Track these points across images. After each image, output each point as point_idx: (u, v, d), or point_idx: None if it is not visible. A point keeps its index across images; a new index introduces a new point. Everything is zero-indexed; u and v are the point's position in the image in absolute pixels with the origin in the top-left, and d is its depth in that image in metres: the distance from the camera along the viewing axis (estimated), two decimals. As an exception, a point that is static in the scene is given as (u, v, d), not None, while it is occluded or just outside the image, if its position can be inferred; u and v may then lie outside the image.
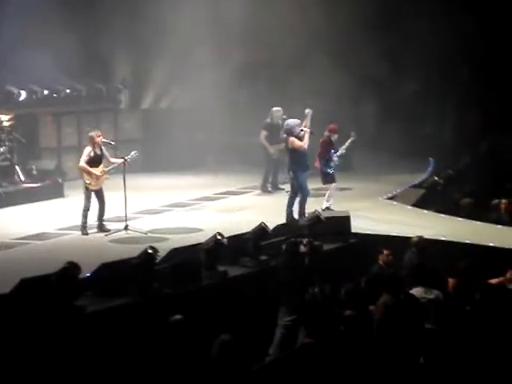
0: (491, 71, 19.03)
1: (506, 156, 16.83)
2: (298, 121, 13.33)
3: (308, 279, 10.05)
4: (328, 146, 13.96)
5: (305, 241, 10.71)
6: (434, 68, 19.34)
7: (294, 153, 13.12)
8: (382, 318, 8.81)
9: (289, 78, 18.61)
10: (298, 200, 13.13)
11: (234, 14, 18.03)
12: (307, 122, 13.43)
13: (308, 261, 10.32)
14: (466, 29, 18.46)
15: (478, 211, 13.92)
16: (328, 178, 13.88)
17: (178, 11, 18.14)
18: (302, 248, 10.46)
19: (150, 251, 9.73)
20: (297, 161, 13.13)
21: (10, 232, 12.61)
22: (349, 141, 14.16)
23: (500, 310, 8.78)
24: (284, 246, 10.24)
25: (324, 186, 14.08)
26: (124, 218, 12.46)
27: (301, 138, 13.10)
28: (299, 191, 13.15)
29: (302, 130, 13.13)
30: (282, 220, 12.32)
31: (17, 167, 15.60)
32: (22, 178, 15.56)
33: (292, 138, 13.14)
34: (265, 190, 15.91)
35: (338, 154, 13.93)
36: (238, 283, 10.58)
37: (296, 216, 12.95)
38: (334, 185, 13.91)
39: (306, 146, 13.14)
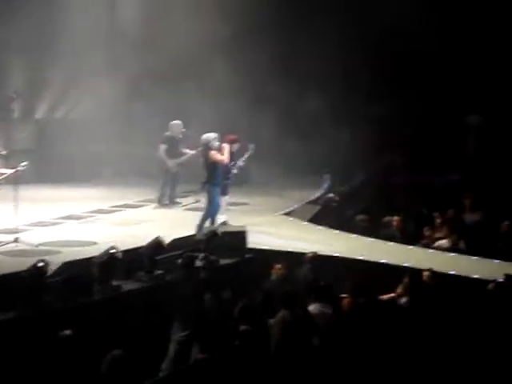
0: (386, 92, 19.55)
1: (396, 175, 17.32)
2: (215, 134, 13.30)
3: (203, 294, 10.01)
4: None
5: (201, 255, 10.68)
6: (333, 86, 19.70)
7: (212, 166, 13.11)
8: (281, 333, 8.87)
9: (185, 87, 18.55)
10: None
11: (129, 22, 17.85)
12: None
13: (203, 275, 10.28)
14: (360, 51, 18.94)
15: (372, 228, 14.22)
16: (224, 190, 13.86)
17: (75, 18, 17.82)
18: (198, 262, 10.42)
19: (40, 264, 9.48)
20: (213, 175, 13.11)
21: None
22: (247, 153, 14.19)
23: (388, 325, 9.01)
24: (180, 261, 10.17)
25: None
26: (14, 230, 12.08)
27: (220, 152, 13.12)
28: (209, 205, 13.11)
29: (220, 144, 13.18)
30: (179, 234, 12.21)
31: None
32: None
33: (212, 152, 13.11)
34: (162, 203, 15.77)
35: (237, 166, 13.93)
36: (132, 298, 10.42)
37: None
38: (227, 197, 13.90)
39: (226, 161, 13.15)
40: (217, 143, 13.18)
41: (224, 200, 13.72)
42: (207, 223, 12.92)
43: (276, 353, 8.68)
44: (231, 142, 13.88)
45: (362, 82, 19.51)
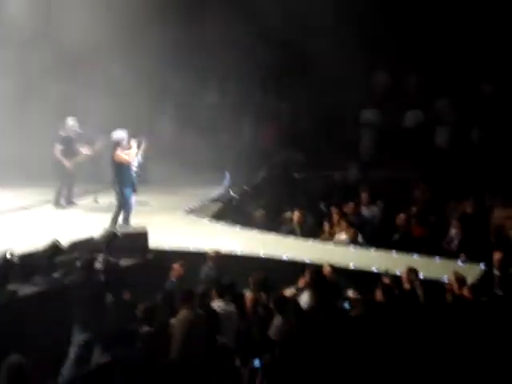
0: (283, 88, 19.72)
1: (296, 172, 17.47)
2: (124, 133, 13.08)
3: (103, 296, 9.85)
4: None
5: (100, 257, 10.49)
6: (233, 80, 19.72)
7: (120, 166, 12.87)
8: (182, 332, 8.84)
9: (79, 83, 18.17)
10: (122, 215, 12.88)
11: (17, 18, 17.33)
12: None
13: (103, 278, 10.11)
14: (262, 43, 19.00)
15: (271, 224, 14.31)
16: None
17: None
18: (98, 265, 10.24)
19: None
20: (122, 174, 12.88)
21: None
22: (141, 148, 13.89)
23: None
24: (78, 263, 9.96)
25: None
26: None
27: (126, 152, 12.91)
28: (123, 206, 12.89)
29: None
30: (77, 236, 11.95)
31: None
32: None
33: (118, 152, 12.88)
34: (58, 204, 15.41)
35: (135, 163, 13.70)
36: (29, 302, 10.13)
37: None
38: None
39: (131, 160, 12.94)
40: (125, 142, 13.01)
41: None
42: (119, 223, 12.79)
43: (178, 352, 8.64)
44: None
45: (261, 75, 19.61)
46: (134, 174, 13.45)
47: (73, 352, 9.74)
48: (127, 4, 17.49)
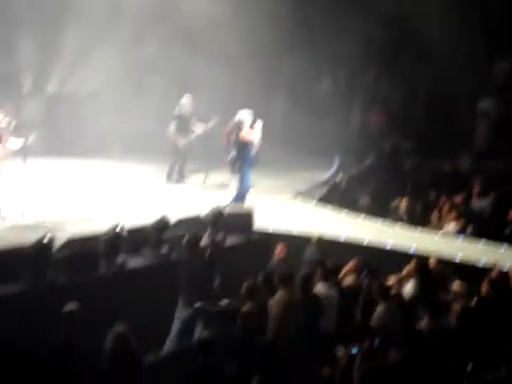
0: (396, 74, 19.46)
1: (404, 159, 17.24)
2: (249, 113, 13.24)
3: (208, 273, 10.03)
4: (229, 138, 13.89)
5: (206, 235, 10.68)
6: (344, 66, 19.62)
7: (244, 146, 13.07)
8: (279, 313, 8.93)
9: (198, 61, 18.47)
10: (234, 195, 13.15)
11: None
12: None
13: (208, 255, 10.30)
14: (376, 32, 18.81)
15: (378, 211, 14.20)
16: (232, 167, 13.83)
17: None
18: (203, 242, 10.44)
19: (46, 239, 9.53)
20: (244, 154, 13.09)
21: None
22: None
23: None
24: (185, 239, 10.18)
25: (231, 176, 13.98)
26: (21, 205, 12.11)
27: (251, 132, 13.08)
28: (240, 185, 13.10)
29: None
30: (185, 212, 12.21)
31: None
32: None
33: (243, 131, 13.09)
34: (170, 180, 15.78)
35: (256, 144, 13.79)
36: (137, 275, 10.45)
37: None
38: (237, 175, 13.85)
39: (255, 141, 13.08)
40: (249, 123, 13.15)
41: (235, 178, 13.74)
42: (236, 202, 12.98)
43: (274, 333, 8.72)
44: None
45: (373, 62, 19.42)
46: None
47: (176, 326, 9.98)
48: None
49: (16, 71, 18.53)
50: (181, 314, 10.02)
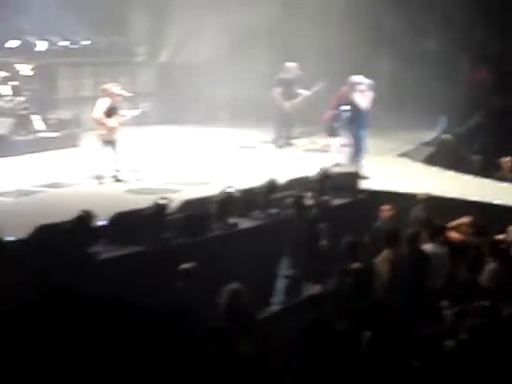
0: (506, 32, 18.99)
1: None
2: (364, 79, 13.36)
3: (312, 233, 10.29)
4: (340, 101, 14.08)
5: (311, 195, 10.92)
6: (450, 26, 19.28)
7: (357, 109, 13.26)
8: (386, 271, 9.08)
9: (303, 32, 18.64)
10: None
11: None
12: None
13: (313, 215, 10.55)
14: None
15: (487, 169, 14.08)
16: (334, 132, 14.02)
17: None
18: (308, 202, 10.68)
19: (162, 202, 10.02)
20: (358, 117, 13.27)
21: (28, 180, 12.88)
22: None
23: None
24: (290, 200, 10.46)
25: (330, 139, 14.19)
26: (137, 170, 12.71)
27: (362, 96, 13.23)
28: (356, 147, 13.29)
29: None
30: (293, 175, 12.52)
31: (35, 116, 15.87)
32: (40, 128, 15.84)
33: (355, 94, 13.27)
34: (277, 145, 16.10)
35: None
36: (248, 235, 10.85)
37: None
38: (338, 138, 14.04)
39: (365, 106, 13.18)
40: (362, 87, 13.27)
41: (336, 141, 13.94)
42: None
43: (382, 290, 8.88)
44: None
45: (480, 20, 19.02)
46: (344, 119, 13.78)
47: (281, 283, 10.28)
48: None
49: (130, 43, 19.23)
50: (286, 271, 10.31)
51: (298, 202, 10.43)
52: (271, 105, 16.03)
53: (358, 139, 13.37)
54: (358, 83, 13.33)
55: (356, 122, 13.36)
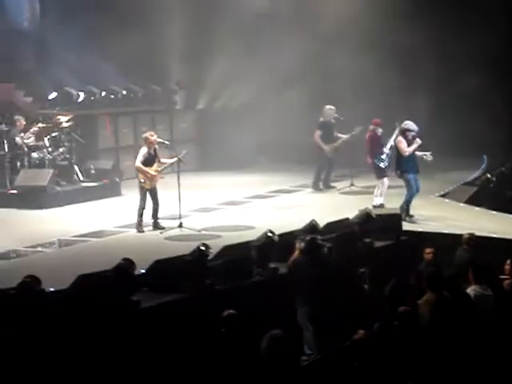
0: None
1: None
2: (415, 126, 13.31)
3: (326, 278, 10.02)
4: (375, 141, 14.03)
5: (325, 243, 10.58)
6: (488, 64, 19.20)
7: (400, 154, 13.24)
8: (427, 316, 8.87)
9: (341, 72, 18.72)
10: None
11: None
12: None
13: (327, 260, 10.31)
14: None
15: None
16: (381, 173, 13.94)
17: (236, 11, 18.43)
18: (322, 244, 10.39)
19: (202, 248, 9.97)
20: (401, 162, 13.22)
21: (70, 229, 12.98)
22: (396, 131, 14.02)
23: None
24: (303, 244, 10.13)
25: (377, 181, 14.09)
26: (178, 216, 12.74)
27: (409, 143, 13.19)
28: (408, 190, 13.24)
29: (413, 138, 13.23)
30: (333, 217, 12.42)
31: (76, 167, 16.05)
32: (81, 178, 16.00)
33: (400, 139, 13.24)
34: (317, 188, 16.05)
35: (387, 146, 13.90)
36: (289, 280, 10.71)
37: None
38: (385, 180, 13.95)
39: (407, 154, 13.16)
40: (412, 134, 13.21)
41: (382, 183, 13.84)
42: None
43: (426, 334, 8.68)
44: (376, 125, 13.99)
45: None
46: (386, 158, 13.68)
47: (308, 333, 9.94)
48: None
49: (168, 90, 19.46)
50: (305, 321, 9.97)
51: (312, 247, 10.18)
52: (315, 148, 16.02)
53: (407, 183, 13.26)
54: (407, 129, 13.21)
55: (401, 167, 13.27)
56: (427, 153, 13.39)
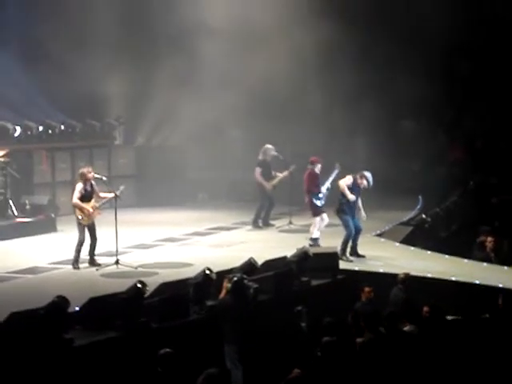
0: (477, 112, 19.40)
1: (490, 196, 17.06)
2: (370, 180, 13.42)
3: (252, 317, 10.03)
4: (314, 179, 14.16)
5: (252, 283, 10.59)
6: (424, 108, 19.67)
7: (341, 194, 13.36)
8: (364, 354, 8.91)
9: (282, 113, 18.92)
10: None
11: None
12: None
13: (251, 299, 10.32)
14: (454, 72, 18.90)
15: (464, 248, 14.09)
16: (317, 211, 14.05)
17: (176, 52, 18.53)
18: (248, 285, 10.39)
19: (138, 285, 9.87)
20: (340, 202, 13.33)
21: (3, 265, 12.72)
22: (334, 172, 14.23)
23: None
24: (230, 285, 10.11)
25: (313, 218, 14.18)
26: (115, 253, 12.61)
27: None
28: (346, 229, 13.34)
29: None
30: (272, 255, 12.45)
31: (10, 202, 15.77)
32: (16, 213, 15.71)
33: (347, 183, 13.34)
34: (256, 225, 16.08)
35: (325, 186, 14.08)
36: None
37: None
38: (324, 215, 14.04)
39: (351, 199, 13.27)
40: (364, 183, 13.33)
41: (321, 219, 13.94)
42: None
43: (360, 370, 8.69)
44: (313, 163, 14.13)
45: (455, 99, 19.43)
46: (323, 196, 13.85)
47: (238, 373, 9.81)
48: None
49: (106, 126, 19.36)
50: (233, 359, 9.87)
51: (238, 285, 10.12)
52: (256, 185, 16.09)
53: (343, 222, 13.38)
54: (367, 181, 13.34)
55: (338, 207, 13.40)
56: (364, 215, 13.53)
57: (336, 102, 18.66)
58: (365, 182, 13.34)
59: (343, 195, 13.29)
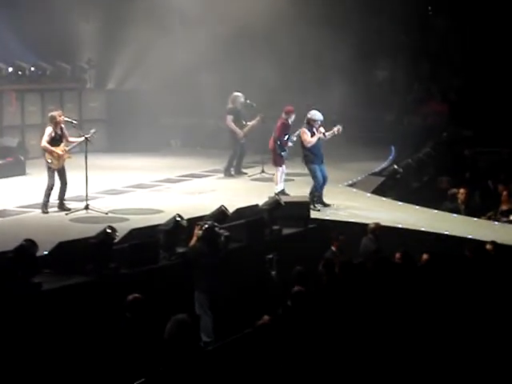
0: (452, 65, 19.34)
1: (463, 148, 17.11)
2: (320, 115, 13.26)
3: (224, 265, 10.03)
4: (285, 128, 14.02)
5: (223, 231, 10.57)
6: (401, 59, 19.56)
7: (304, 144, 13.19)
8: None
9: (251, 58, 18.71)
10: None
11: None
12: (330, 132, 13.47)
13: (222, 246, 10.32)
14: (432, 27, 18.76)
15: (436, 200, 14.16)
16: (280, 160, 13.97)
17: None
18: (221, 238, 10.36)
19: (108, 231, 9.80)
20: (306, 152, 13.17)
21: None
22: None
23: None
24: (200, 232, 10.12)
25: (274, 167, 14.12)
26: (85, 198, 12.48)
27: (312, 134, 13.14)
28: (314, 180, 13.24)
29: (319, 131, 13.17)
30: (243, 203, 12.41)
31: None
32: (-16, 155, 15.50)
33: (303, 129, 13.20)
34: (228, 173, 15.99)
35: (291, 139, 13.98)
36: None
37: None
38: (283, 167, 13.98)
39: (309, 145, 13.14)
40: (317, 125, 13.16)
41: (280, 171, 13.88)
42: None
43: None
44: (287, 113, 13.99)
45: (431, 49, 19.34)
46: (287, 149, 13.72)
47: (207, 318, 9.89)
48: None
49: (79, 69, 19.02)
50: (204, 306, 9.93)
51: (209, 232, 10.11)
52: (229, 133, 15.93)
53: (311, 173, 13.31)
54: (315, 120, 13.22)
55: (304, 157, 13.31)
56: (335, 128, 13.39)
57: (308, 52, 18.46)
58: (316, 122, 13.13)
59: (303, 145, 13.17)
